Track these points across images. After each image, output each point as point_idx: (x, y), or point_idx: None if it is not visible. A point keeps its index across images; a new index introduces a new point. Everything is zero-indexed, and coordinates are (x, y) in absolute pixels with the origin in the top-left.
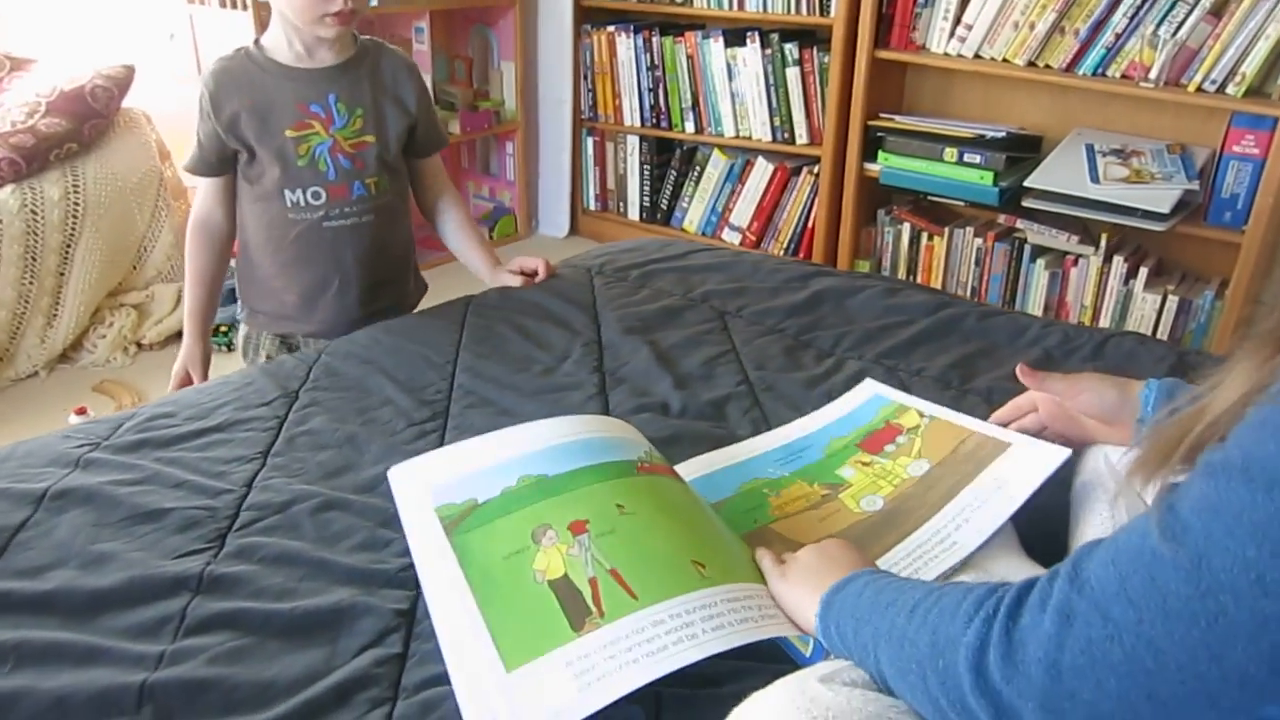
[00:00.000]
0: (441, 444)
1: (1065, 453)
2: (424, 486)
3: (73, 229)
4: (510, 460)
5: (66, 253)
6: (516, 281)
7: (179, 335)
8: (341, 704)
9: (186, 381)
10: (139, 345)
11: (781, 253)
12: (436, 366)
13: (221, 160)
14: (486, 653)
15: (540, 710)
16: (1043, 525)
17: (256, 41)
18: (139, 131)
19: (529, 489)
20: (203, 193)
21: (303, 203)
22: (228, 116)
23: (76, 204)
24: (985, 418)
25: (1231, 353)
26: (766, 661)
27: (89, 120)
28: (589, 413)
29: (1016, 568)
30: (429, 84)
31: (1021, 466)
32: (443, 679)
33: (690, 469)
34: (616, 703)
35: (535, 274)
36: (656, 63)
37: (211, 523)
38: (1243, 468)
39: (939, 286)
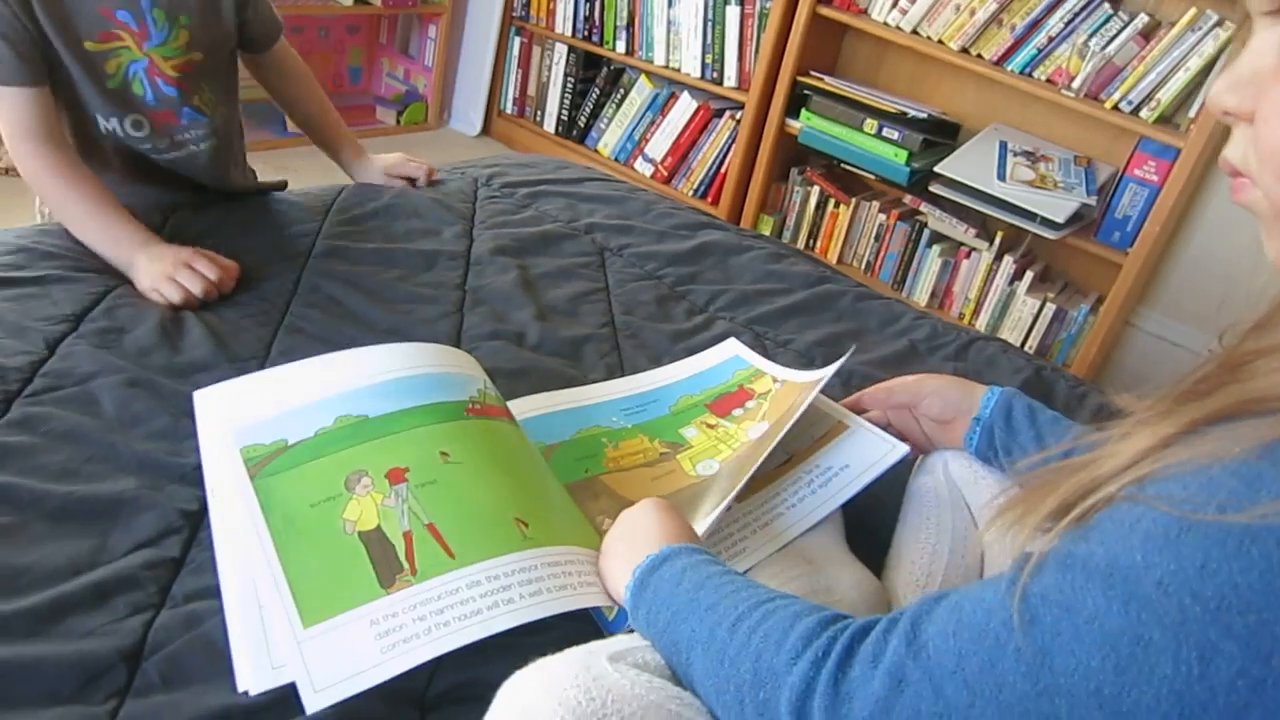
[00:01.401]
0: (273, 339)
1: (904, 449)
2: (230, 420)
3: None
4: (329, 397)
5: None
6: (388, 184)
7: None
8: (98, 604)
9: (209, 281)
10: None
11: (690, 193)
12: (286, 256)
13: (40, 62)
14: (283, 605)
15: (338, 669)
16: (867, 516)
17: None
18: None
19: (347, 430)
20: (20, 105)
21: (120, 132)
22: (26, 6)
23: None
24: (840, 399)
25: (1132, 410)
26: (553, 628)
27: None
28: (439, 331)
29: (835, 558)
30: None
31: (861, 454)
32: (215, 591)
33: (529, 405)
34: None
35: (414, 181)
36: None
37: None
38: (1105, 571)
39: (837, 255)
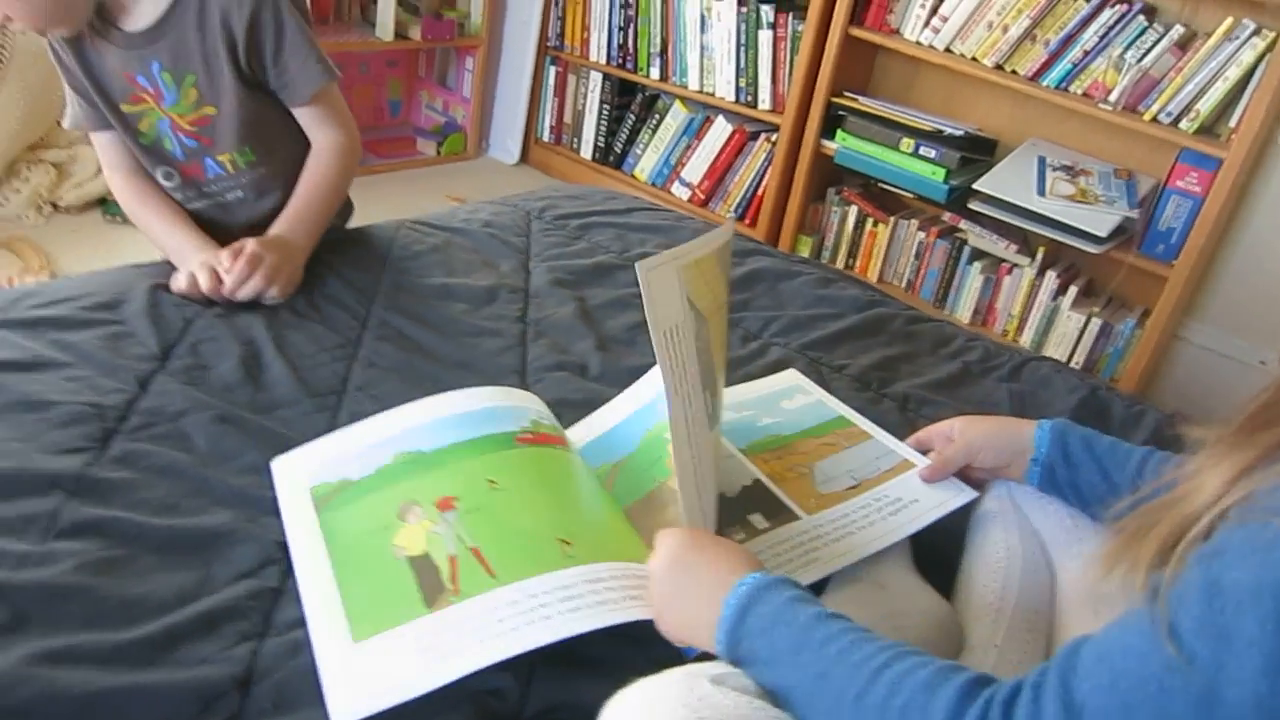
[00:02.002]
0: (348, 373)
1: (972, 494)
2: (303, 471)
3: None
4: (389, 437)
5: None
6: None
7: (100, 201)
8: (209, 633)
9: (216, 280)
10: (54, 206)
11: (728, 215)
12: (355, 290)
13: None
14: (338, 623)
15: (384, 681)
16: (933, 540)
17: None
18: None
19: (403, 465)
20: (106, 146)
21: (162, 184)
22: (85, 67)
23: (3, 47)
24: (898, 423)
25: (1206, 440)
26: (645, 646)
27: None
28: (505, 363)
29: (906, 582)
30: None
31: (928, 491)
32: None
33: (593, 427)
34: (482, 673)
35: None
36: (630, 1)
37: (98, 421)
38: (1253, 593)
39: (877, 273)
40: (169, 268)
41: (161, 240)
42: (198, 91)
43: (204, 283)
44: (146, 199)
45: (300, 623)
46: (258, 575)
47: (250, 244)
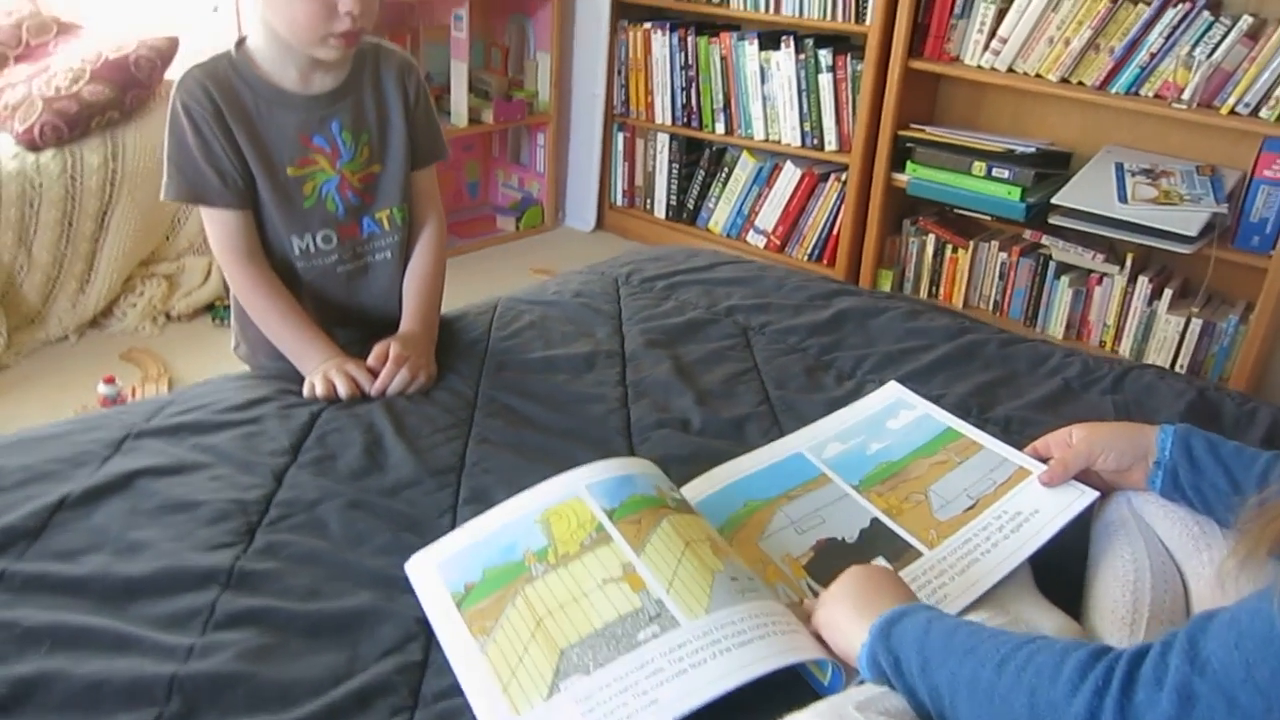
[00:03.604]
0: (465, 450)
1: (1093, 494)
2: (436, 570)
3: (110, 196)
4: (515, 527)
5: (102, 220)
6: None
7: (208, 308)
8: (363, 709)
9: (354, 384)
10: (167, 316)
11: (805, 258)
12: (461, 373)
13: (244, 189)
14: (499, 703)
15: None
16: (1052, 557)
17: (240, 44)
18: None
19: (530, 560)
20: (231, 227)
21: (313, 249)
22: (231, 140)
23: (115, 171)
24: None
25: None
26: (786, 688)
27: (132, 89)
28: (611, 426)
29: (1031, 603)
30: (464, 71)
31: (1048, 500)
32: (459, 690)
33: (701, 488)
34: None
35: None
36: (690, 62)
37: (241, 516)
38: None
39: (962, 298)
40: (286, 366)
41: (282, 336)
42: (369, 150)
43: (343, 391)
44: (264, 288)
45: (446, 694)
46: (402, 651)
47: (393, 346)
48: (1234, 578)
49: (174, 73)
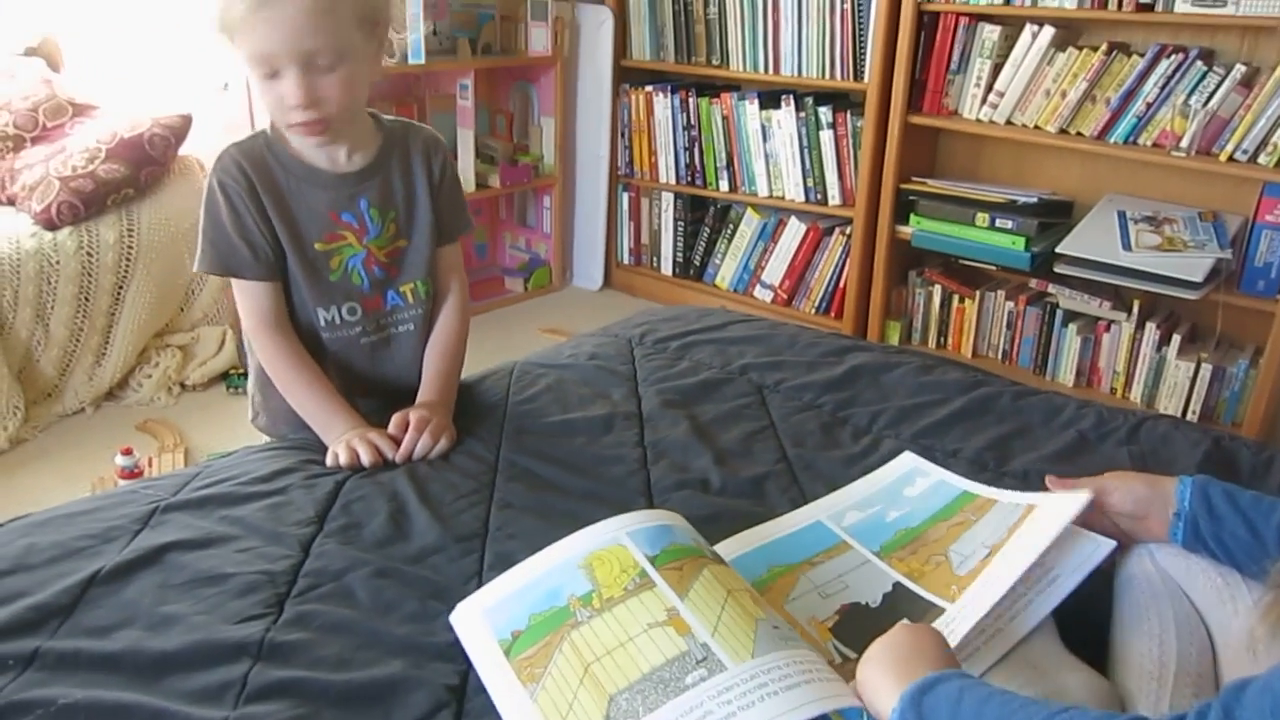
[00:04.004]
0: (488, 516)
1: (1111, 544)
2: (483, 617)
3: (125, 271)
4: (558, 572)
5: (118, 294)
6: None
7: (222, 377)
8: None
9: (377, 452)
10: (182, 386)
11: (813, 311)
12: (481, 438)
13: (274, 261)
14: None
15: None
16: (1077, 612)
17: (274, 123)
18: (193, 178)
19: (575, 605)
20: (261, 298)
21: (338, 320)
22: (264, 215)
23: (130, 247)
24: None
25: None
26: None
27: (146, 167)
28: (631, 487)
29: (1058, 660)
30: (470, 138)
31: (1067, 553)
32: None
33: (726, 551)
34: None
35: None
36: (692, 122)
37: (270, 588)
38: None
39: (970, 349)
40: (310, 435)
41: (306, 406)
42: (396, 226)
43: (366, 459)
44: (291, 359)
45: None
46: (434, 718)
47: (412, 413)
48: (1265, 644)
49: (187, 149)
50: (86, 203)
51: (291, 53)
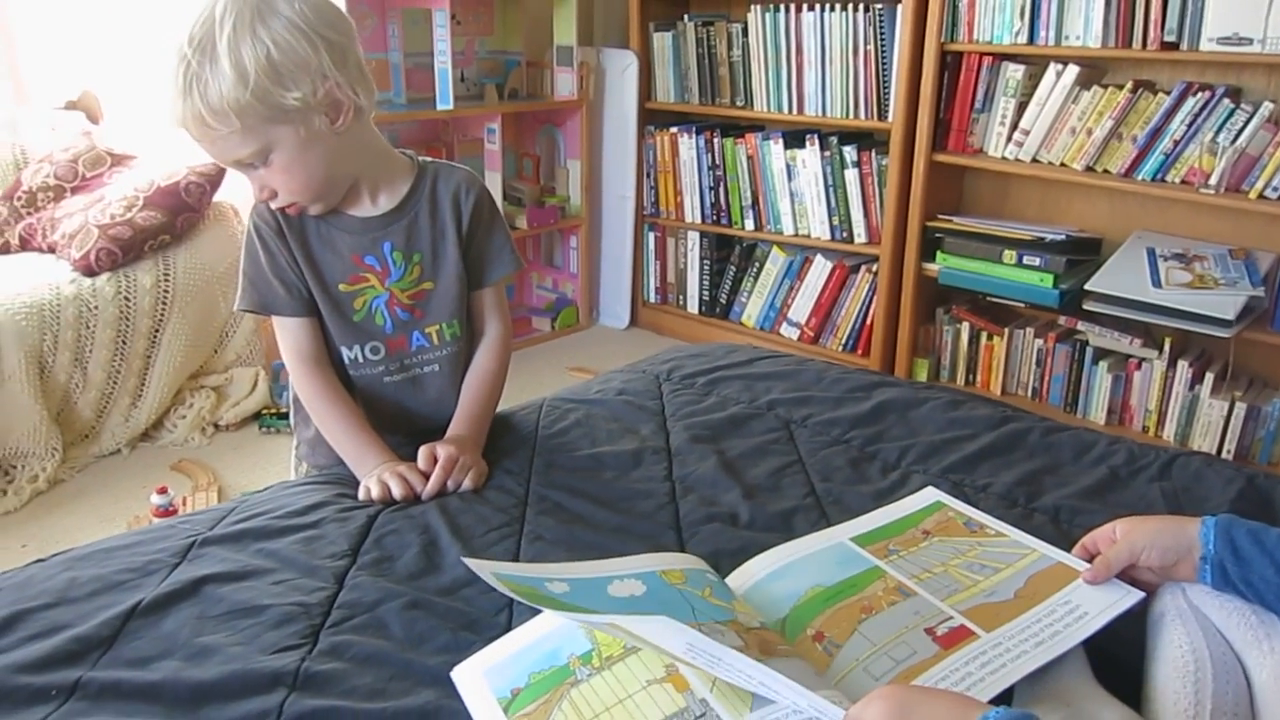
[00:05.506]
0: (518, 549)
1: (1139, 595)
2: (483, 677)
3: (161, 315)
4: (559, 632)
5: (154, 337)
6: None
7: (255, 417)
8: None
9: (408, 486)
10: (216, 426)
11: (840, 349)
12: (511, 471)
13: (307, 299)
14: None
15: None
16: (1109, 648)
17: None
18: (227, 224)
19: (574, 664)
20: (297, 334)
21: (361, 359)
22: (292, 256)
23: (166, 291)
24: (1053, 536)
25: None
26: None
27: (182, 214)
28: (660, 521)
29: (1091, 696)
30: (498, 181)
31: (1092, 598)
32: None
33: (739, 581)
34: None
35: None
36: (717, 162)
37: (305, 619)
38: None
39: (999, 386)
40: (343, 471)
41: (339, 441)
42: (421, 269)
43: (398, 493)
44: (326, 394)
45: None
46: None
47: (440, 449)
48: (1263, 671)
49: (221, 195)
50: (124, 249)
51: (227, 162)
